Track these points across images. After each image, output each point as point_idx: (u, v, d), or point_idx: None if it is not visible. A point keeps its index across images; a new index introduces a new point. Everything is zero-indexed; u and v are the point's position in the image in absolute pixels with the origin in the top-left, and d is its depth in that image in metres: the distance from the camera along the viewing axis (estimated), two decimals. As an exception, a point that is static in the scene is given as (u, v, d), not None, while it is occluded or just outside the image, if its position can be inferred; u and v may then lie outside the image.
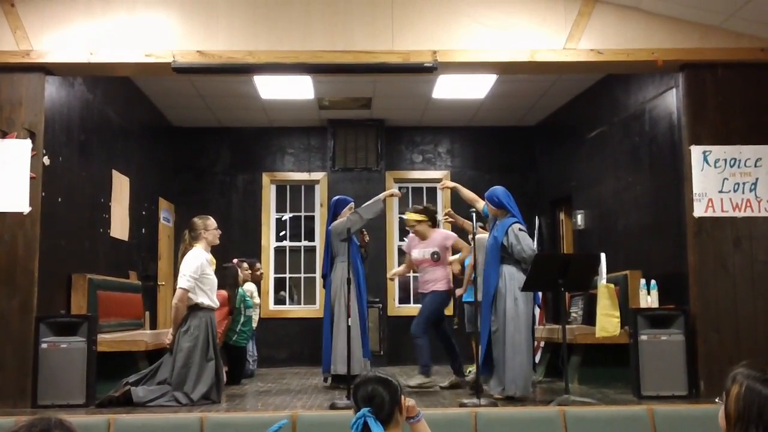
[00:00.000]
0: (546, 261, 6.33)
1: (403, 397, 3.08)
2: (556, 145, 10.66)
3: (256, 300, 9.07)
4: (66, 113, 7.22)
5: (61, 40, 6.53)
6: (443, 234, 7.74)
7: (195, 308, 6.35)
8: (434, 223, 7.76)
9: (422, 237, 7.66)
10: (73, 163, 7.33)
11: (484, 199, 6.82)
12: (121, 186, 8.60)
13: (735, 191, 6.57)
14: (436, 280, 7.54)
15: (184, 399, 6.09)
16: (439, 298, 7.52)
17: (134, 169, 9.10)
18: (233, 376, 7.89)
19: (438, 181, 11.35)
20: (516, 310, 6.31)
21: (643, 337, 6.40)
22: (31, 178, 6.39)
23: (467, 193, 7.26)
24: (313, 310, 10.95)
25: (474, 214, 6.58)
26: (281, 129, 11.35)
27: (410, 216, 7.69)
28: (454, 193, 7.57)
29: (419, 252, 7.63)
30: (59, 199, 6.94)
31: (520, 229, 6.45)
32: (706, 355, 6.40)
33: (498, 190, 6.67)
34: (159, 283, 9.99)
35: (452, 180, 11.08)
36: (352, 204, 7.71)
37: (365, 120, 11.10)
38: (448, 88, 9.63)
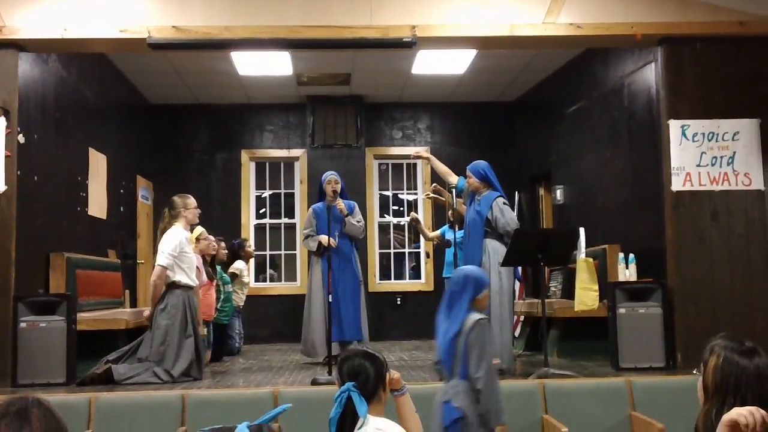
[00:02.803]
0: (526, 236, 6.35)
1: (388, 372, 3.09)
2: (536, 121, 10.67)
3: (245, 279, 9.07)
4: (40, 91, 7.12)
5: (34, 16, 6.42)
6: None
7: (173, 286, 6.32)
8: None
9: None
10: (48, 141, 7.24)
11: (464, 174, 6.80)
12: (98, 164, 8.51)
13: (713, 165, 6.62)
14: None
15: (165, 375, 6.08)
16: None
17: (111, 147, 9.00)
18: (215, 353, 7.88)
19: (419, 158, 11.34)
20: (500, 285, 6.33)
21: (622, 311, 6.46)
22: (6, 156, 6.30)
23: (441, 167, 7.04)
24: (294, 287, 10.95)
25: (454, 191, 6.58)
26: (260, 106, 11.27)
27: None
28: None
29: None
30: (35, 178, 6.87)
31: (504, 203, 6.47)
32: (683, 327, 6.47)
33: (482, 163, 6.67)
34: (138, 261, 9.93)
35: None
36: (330, 177, 7.54)
37: (344, 96, 11.04)
38: (427, 64, 9.59)
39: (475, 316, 3.91)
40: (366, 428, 2.83)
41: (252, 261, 10.68)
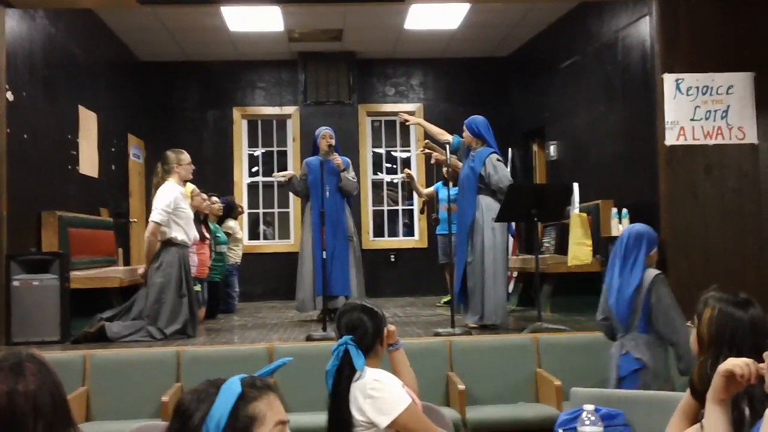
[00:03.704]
0: (519, 192, 6.34)
1: (386, 327, 3.09)
2: (530, 76, 10.58)
3: (238, 235, 9.09)
4: (28, 48, 7.01)
5: (20, -29, 6.30)
6: None
7: (168, 243, 6.27)
8: None
9: None
10: (37, 99, 7.16)
11: (459, 132, 6.77)
12: (88, 122, 8.43)
13: (707, 119, 6.58)
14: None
15: (158, 334, 6.08)
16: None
17: (101, 104, 8.91)
18: (209, 311, 7.91)
19: (411, 114, 11.27)
20: (494, 241, 6.33)
21: (615, 265, 6.47)
22: (-5, 114, 6.23)
23: (432, 128, 7.08)
24: (288, 245, 10.95)
25: (447, 147, 6.53)
26: (251, 63, 11.14)
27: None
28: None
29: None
30: (25, 136, 6.80)
31: (497, 160, 6.45)
32: (675, 281, 6.46)
33: (479, 119, 6.63)
34: (131, 220, 9.91)
35: (425, 114, 11.11)
36: (325, 132, 7.46)
37: (336, 53, 10.92)
38: (420, 19, 9.47)
39: (653, 272, 4.04)
40: (363, 380, 2.84)
41: (245, 218, 10.69)
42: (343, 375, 2.88)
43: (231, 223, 8.97)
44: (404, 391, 2.91)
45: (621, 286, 4.04)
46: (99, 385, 5.13)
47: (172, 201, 6.25)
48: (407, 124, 7.39)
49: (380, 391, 2.83)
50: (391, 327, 3.14)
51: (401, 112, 8.05)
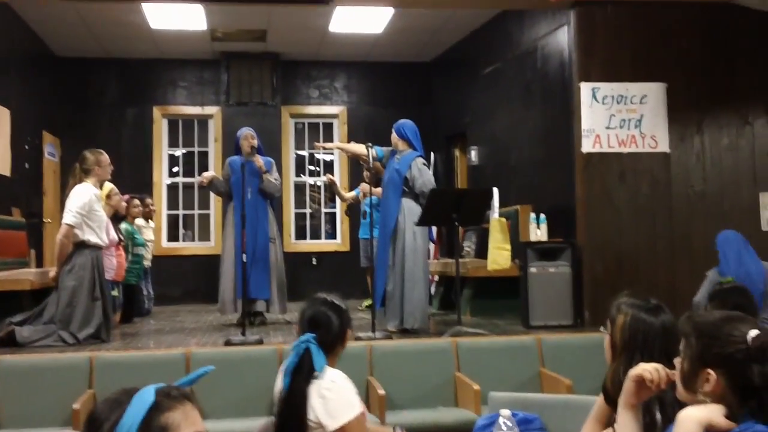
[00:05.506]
0: (441, 196, 6.39)
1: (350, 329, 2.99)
2: (452, 82, 10.70)
3: (146, 236, 8.80)
4: (-65, 39, 6.71)
5: (-74, -41, 6.03)
6: None
7: (81, 246, 6.07)
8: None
9: None
10: (-56, 93, 6.86)
11: (387, 132, 6.79)
12: (0, 118, 8.12)
13: (621, 127, 6.78)
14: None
15: (71, 339, 5.87)
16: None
17: (14, 100, 8.58)
18: (125, 314, 7.71)
19: (335, 116, 11.27)
20: (414, 245, 6.37)
21: (533, 270, 6.60)
22: None
23: (352, 147, 7.27)
24: (208, 247, 10.78)
25: (369, 150, 6.52)
26: (172, 61, 10.93)
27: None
28: (352, 126, 7.48)
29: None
30: (-70, 132, 6.50)
31: (423, 164, 6.50)
32: (590, 285, 6.67)
33: (408, 123, 6.68)
34: (45, 220, 9.58)
35: (349, 116, 11.11)
36: (247, 133, 7.35)
37: (260, 53, 10.82)
38: (345, 22, 9.47)
39: None
40: (320, 381, 2.74)
41: (163, 219, 10.45)
42: (302, 374, 2.74)
43: (138, 221, 8.65)
44: (358, 397, 2.81)
45: (749, 274, 4.98)
46: (7, 392, 4.93)
47: (87, 203, 6.06)
48: (326, 148, 7.46)
49: (333, 392, 2.71)
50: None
51: (316, 143, 8.26)
